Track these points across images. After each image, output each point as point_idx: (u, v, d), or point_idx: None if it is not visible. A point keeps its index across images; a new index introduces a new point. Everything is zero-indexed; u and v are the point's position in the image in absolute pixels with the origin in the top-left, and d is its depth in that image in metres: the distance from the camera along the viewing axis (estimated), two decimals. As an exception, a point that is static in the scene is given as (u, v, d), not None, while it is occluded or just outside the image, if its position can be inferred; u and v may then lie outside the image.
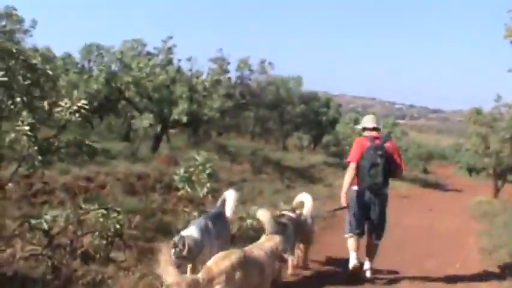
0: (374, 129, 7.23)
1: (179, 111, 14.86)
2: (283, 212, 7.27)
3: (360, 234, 7.22)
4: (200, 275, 4.39)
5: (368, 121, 7.35)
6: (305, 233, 7.43)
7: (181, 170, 8.12)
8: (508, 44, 7.96)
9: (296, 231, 6.95)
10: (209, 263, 4.57)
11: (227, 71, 20.73)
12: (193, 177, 8.07)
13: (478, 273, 8.23)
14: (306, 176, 17.87)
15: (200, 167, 8.05)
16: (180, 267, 4.93)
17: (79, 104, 5.81)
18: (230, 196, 6.81)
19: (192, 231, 5.62)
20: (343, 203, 7.17)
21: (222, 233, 6.12)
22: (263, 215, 5.98)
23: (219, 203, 6.89)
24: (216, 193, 11.08)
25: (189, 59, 16.86)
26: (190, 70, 17.08)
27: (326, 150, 28.75)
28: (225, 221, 6.47)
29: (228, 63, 20.34)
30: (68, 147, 6.14)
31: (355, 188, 7.17)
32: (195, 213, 7.91)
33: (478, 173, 33.96)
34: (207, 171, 8.05)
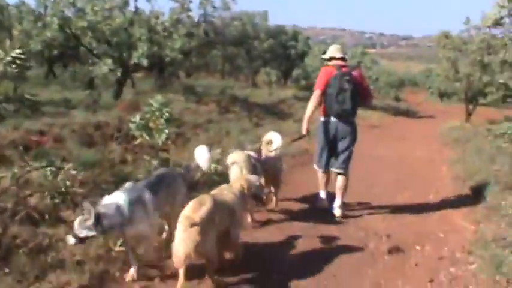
0: (340, 58, 7.06)
1: (139, 54, 14.19)
2: (249, 153, 6.81)
3: (327, 168, 7.18)
4: (181, 226, 4.38)
5: (334, 51, 7.14)
6: (273, 174, 7.22)
7: (137, 117, 7.60)
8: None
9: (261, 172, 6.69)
10: (186, 212, 4.48)
11: (189, 10, 20.07)
12: (151, 124, 7.55)
13: (452, 202, 8.05)
14: (275, 112, 17.41)
15: (157, 113, 7.53)
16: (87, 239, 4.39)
17: (13, 55, 5.26)
18: (201, 153, 5.98)
19: (116, 199, 4.61)
20: (303, 131, 7.00)
21: (171, 199, 5.25)
22: (238, 157, 5.88)
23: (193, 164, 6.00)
24: (180, 138, 10.86)
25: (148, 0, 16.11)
26: (151, 11, 16.37)
27: (297, 85, 28.43)
28: (177, 185, 5.43)
29: (190, 1, 19.69)
30: (7, 101, 5.59)
31: (322, 118, 7.05)
32: (155, 162, 7.44)
33: (449, 97, 34.06)
34: (165, 117, 7.53)
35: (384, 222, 6.97)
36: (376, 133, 16.96)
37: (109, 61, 14.24)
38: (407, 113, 26.79)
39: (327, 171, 7.21)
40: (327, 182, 7.30)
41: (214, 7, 19.98)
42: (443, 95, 36.85)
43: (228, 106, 15.49)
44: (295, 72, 30.77)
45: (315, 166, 7.34)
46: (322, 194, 7.33)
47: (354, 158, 7.16)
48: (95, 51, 15.14)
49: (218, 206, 4.68)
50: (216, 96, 17.26)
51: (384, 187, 8.99)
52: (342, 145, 6.96)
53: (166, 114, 7.57)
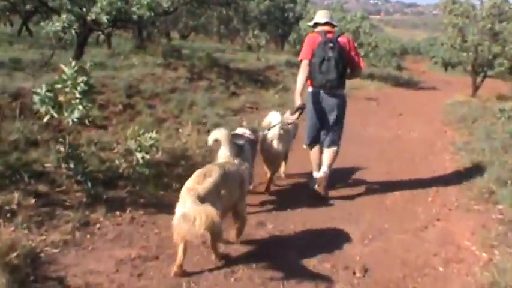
0: (327, 24, 6.42)
1: (97, 10, 12.14)
2: (238, 132, 6.06)
3: (317, 143, 6.57)
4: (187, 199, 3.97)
5: (320, 16, 6.55)
6: (269, 156, 6.40)
7: (43, 87, 5.61)
8: None
9: (254, 153, 6.02)
10: (189, 184, 4.16)
11: None
12: (61, 97, 5.59)
13: (456, 213, 6.17)
14: (258, 80, 15.48)
15: (69, 82, 5.57)
16: None
17: None
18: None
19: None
20: (297, 103, 6.20)
21: None
22: (221, 134, 5.14)
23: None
24: (127, 111, 8.98)
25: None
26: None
27: (293, 50, 26.70)
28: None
29: None
30: None
31: (310, 89, 6.44)
32: (62, 148, 5.54)
33: (454, 67, 32.23)
34: (80, 88, 5.56)
35: (362, 245, 5.08)
36: (371, 106, 15.08)
37: (63, 17, 12.20)
38: (409, 84, 24.86)
39: (318, 147, 6.55)
40: (320, 159, 6.54)
41: None
42: (447, 65, 35.04)
43: (202, 72, 13.50)
44: (292, 36, 28.97)
45: (304, 147, 6.73)
46: (316, 174, 6.54)
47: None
48: (50, 5, 13.08)
49: (228, 175, 4.43)
50: (192, 60, 15.23)
51: (370, 186, 7.11)
52: (330, 119, 6.37)
53: (82, 85, 5.58)
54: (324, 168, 6.42)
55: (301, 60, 6.29)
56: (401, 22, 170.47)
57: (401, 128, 11.56)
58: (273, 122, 6.26)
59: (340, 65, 6.11)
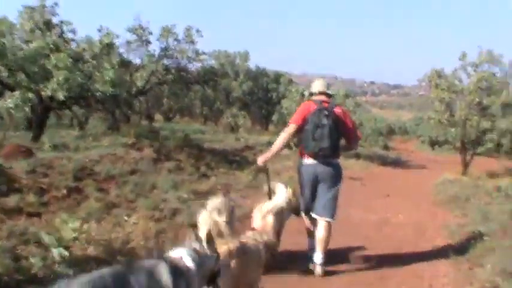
0: (322, 93, 6.19)
1: (54, 86, 11.22)
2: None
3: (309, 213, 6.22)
4: None
5: (316, 85, 6.32)
6: None
7: None
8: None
9: None
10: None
11: (148, 42, 17.71)
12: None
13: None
14: (234, 161, 14.43)
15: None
16: None
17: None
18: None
19: None
20: (260, 162, 6.07)
21: None
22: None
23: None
24: (73, 196, 7.86)
25: (99, 29, 13.39)
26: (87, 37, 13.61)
27: (277, 130, 25.93)
28: None
29: (150, 33, 17.35)
30: None
31: (302, 159, 6.10)
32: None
33: (441, 146, 31.54)
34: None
35: None
36: (356, 186, 13.97)
37: (16, 93, 11.25)
38: (396, 163, 23.90)
39: (310, 216, 6.22)
40: (313, 229, 6.22)
41: (177, 40, 17.76)
42: (434, 143, 34.41)
43: (171, 153, 12.44)
44: (275, 116, 28.34)
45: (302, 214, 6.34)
46: (310, 241, 6.32)
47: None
48: (5, 81, 12.16)
49: (245, 251, 4.33)
50: (163, 140, 14.21)
51: (352, 277, 5.91)
52: (322, 189, 6.05)
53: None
54: (319, 256, 6.03)
55: (289, 124, 6.05)
56: (387, 103, 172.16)
57: (389, 210, 10.42)
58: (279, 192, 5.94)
59: (335, 134, 5.86)
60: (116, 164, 10.14)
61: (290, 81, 33.28)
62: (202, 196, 9.68)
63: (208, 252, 3.56)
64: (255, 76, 31.91)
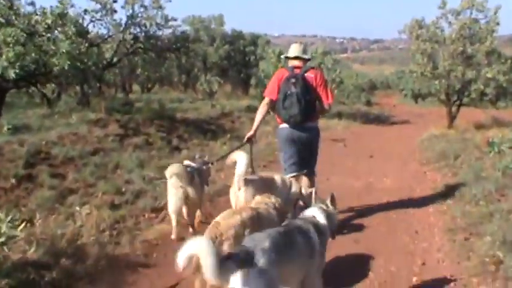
0: (297, 58, 6.27)
1: (4, 63, 10.24)
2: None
3: (298, 171, 6.29)
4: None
5: (291, 50, 6.37)
6: None
7: None
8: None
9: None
10: (217, 218, 4.17)
11: (114, 11, 16.56)
12: None
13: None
14: (209, 130, 13.64)
15: None
16: None
17: None
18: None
19: None
20: (246, 140, 6.30)
21: None
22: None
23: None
24: (23, 184, 7.09)
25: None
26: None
27: (256, 92, 25.22)
28: None
29: (114, 1, 16.22)
30: None
31: (279, 125, 6.37)
32: None
33: (424, 98, 30.94)
34: None
35: None
36: (338, 149, 13.32)
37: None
38: (379, 120, 23.30)
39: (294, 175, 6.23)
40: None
41: (143, 6, 16.70)
42: (417, 97, 33.83)
43: (139, 127, 11.62)
44: (254, 80, 27.46)
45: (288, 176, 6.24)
46: None
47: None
48: None
49: (260, 220, 4.30)
50: (138, 113, 13.35)
51: (332, 265, 5.17)
52: (300, 151, 6.23)
53: None
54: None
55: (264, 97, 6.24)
56: (368, 58, 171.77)
57: (373, 174, 9.73)
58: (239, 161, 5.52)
59: (303, 101, 5.91)
60: (77, 144, 9.32)
61: (267, 43, 32.31)
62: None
63: (332, 209, 4.23)
64: (232, 40, 30.82)
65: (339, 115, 21.40)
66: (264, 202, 4.65)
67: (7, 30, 10.55)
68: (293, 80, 5.96)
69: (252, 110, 16.79)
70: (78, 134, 10.04)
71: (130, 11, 16.61)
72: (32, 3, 12.21)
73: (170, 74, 31.70)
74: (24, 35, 10.86)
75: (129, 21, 16.72)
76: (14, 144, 8.38)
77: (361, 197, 8.01)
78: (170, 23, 17.57)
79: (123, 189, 7.37)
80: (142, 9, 16.70)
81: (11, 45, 10.44)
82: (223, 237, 3.88)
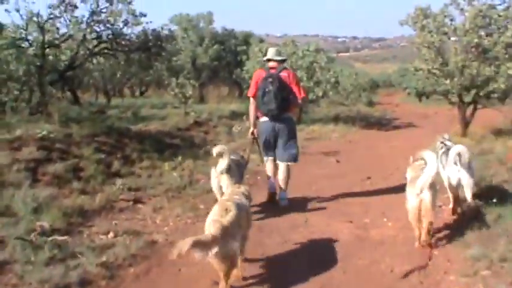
0: (274, 60, 7.45)
1: None
2: None
3: (269, 157, 7.55)
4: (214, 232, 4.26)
5: (268, 53, 7.60)
6: None
7: None
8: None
9: None
10: (213, 217, 4.51)
11: (75, 6, 14.60)
12: None
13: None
14: (170, 146, 11.11)
15: None
16: None
17: None
18: None
19: None
20: (249, 135, 7.57)
21: None
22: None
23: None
24: None
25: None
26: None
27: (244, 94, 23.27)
28: None
29: None
30: None
31: (259, 118, 7.48)
32: None
33: (429, 97, 28.84)
34: None
35: None
36: (328, 167, 10.89)
37: None
38: (381, 124, 20.85)
39: (272, 160, 7.53)
40: (275, 171, 7.55)
41: (108, 1, 14.76)
42: (421, 95, 31.54)
43: (71, 146, 9.05)
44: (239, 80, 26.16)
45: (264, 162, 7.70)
46: (270, 183, 7.66)
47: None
48: None
49: (241, 209, 4.75)
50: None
51: None
52: (281, 141, 7.39)
53: None
54: (283, 194, 7.52)
55: (249, 97, 7.55)
56: (370, 57, 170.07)
57: (369, 211, 7.12)
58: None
59: (279, 96, 7.14)
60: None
61: (261, 41, 30.44)
62: (86, 220, 6.48)
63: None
64: (222, 39, 29.53)
65: (336, 119, 19.20)
66: (234, 194, 5.15)
67: None
68: (270, 79, 7.19)
69: (238, 115, 15.48)
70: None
71: (94, 6, 14.62)
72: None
73: (160, 76, 30.14)
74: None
75: (91, 18, 14.72)
76: None
77: (348, 261, 5.35)
78: (139, 20, 15.54)
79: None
80: (107, 4, 14.73)
81: None
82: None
